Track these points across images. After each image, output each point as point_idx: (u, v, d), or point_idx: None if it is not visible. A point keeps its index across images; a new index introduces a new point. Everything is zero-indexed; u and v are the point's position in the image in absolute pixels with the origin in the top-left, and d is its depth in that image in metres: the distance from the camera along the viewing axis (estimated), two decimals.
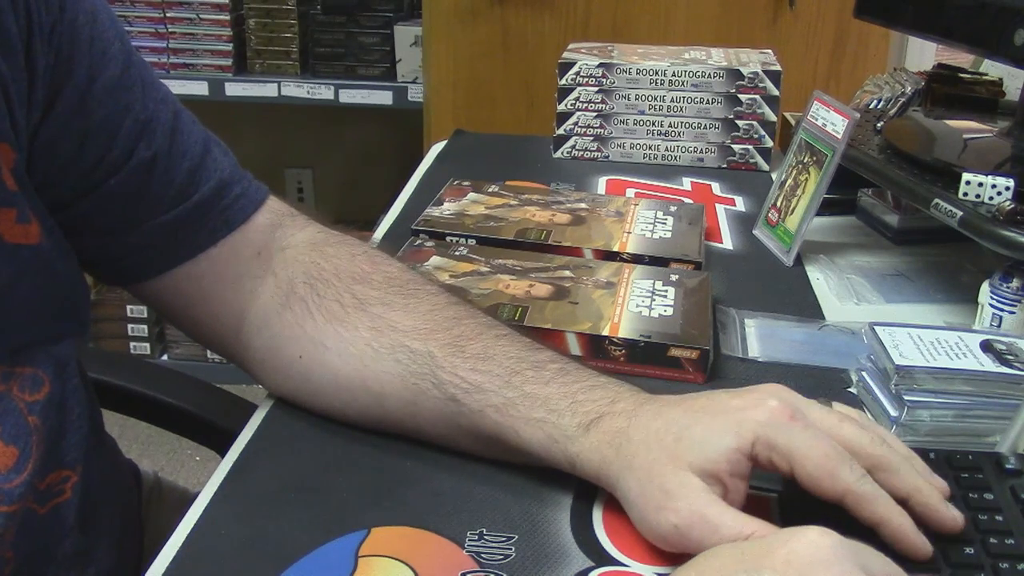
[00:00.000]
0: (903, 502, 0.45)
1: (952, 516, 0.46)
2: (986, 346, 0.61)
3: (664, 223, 0.87)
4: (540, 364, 0.54)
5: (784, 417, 0.47)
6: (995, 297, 0.70)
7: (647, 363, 0.66)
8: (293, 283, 0.61)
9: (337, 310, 0.59)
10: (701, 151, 1.13)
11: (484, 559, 0.48)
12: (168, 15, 2.14)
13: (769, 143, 1.11)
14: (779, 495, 0.50)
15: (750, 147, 1.12)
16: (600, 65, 1.11)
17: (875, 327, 0.63)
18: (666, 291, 0.72)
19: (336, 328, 0.59)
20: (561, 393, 0.52)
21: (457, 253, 0.79)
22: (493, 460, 0.55)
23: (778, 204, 0.91)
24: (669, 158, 1.13)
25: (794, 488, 0.50)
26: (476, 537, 0.49)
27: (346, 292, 0.60)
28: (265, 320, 0.61)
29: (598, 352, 0.66)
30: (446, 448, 0.56)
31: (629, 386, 0.53)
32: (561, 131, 1.14)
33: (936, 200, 0.74)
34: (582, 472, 0.51)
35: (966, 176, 0.73)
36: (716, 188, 1.07)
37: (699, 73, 1.09)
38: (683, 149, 1.13)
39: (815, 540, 0.39)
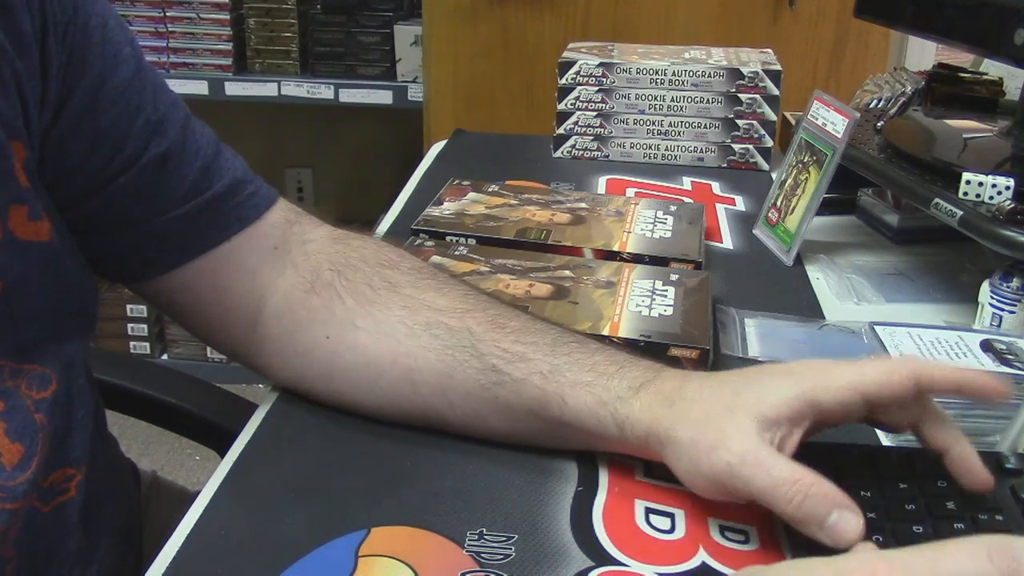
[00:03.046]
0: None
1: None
2: (986, 346, 0.62)
3: (664, 223, 0.87)
4: (582, 340, 0.55)
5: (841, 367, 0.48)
6: (995, 297, 0.70)
7: None
8: (318, 271, 0.61)
9: (368, 292, 0.59)
10: (701, 151, 1.13)
11: (484, 559, 0.48)
12: (168, 15, 2.14)
13: (769, 143, 1.11)
14: None
15: (750, 147, 1.12)
16: (600, 64, 1.11)
17: (875, 327, 0.63)
18: (666, 291, 0.72)
19: (368, 309, 0.58)
20: (609, 360, 0.53)
21: (457, 253, 0.79)
22: (493, 459, 0.55)
23: (778, 204, 0.91)
24: (669, 158, 1.13)
25: None
26: (476, 537, 0.49)
27: (376, 276, 0.60)
28: (287, 306, 0.60)
29: None
30: (447, 447, 0.56)
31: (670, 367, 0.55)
32: (561, 131, 1.14)
33: (936, 200, 0.74)
34: (631, 434, 0.51)
35: (966, 176, 0.73)
36: (716, 188, 1.06)
37: (699, 73, 1.09)
38: (683, 149, 1.13)
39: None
